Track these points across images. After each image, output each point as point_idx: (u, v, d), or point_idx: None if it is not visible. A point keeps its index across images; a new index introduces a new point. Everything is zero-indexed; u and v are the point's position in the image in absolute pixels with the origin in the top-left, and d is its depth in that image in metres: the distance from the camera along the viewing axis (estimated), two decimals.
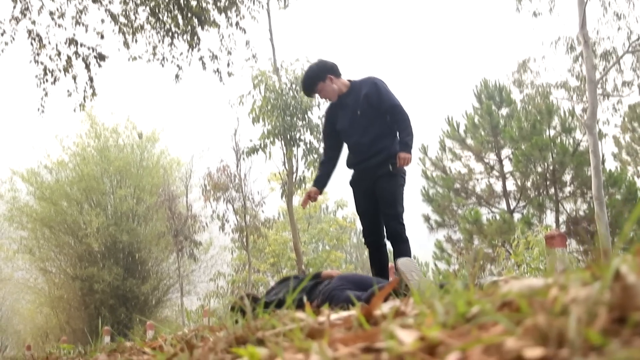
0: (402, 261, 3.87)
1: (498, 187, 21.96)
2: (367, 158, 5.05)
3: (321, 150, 13.00)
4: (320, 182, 5.36)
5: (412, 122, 5.04)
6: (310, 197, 5.26)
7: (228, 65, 10.63)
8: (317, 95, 5.40)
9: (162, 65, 10.37)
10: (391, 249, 5.09)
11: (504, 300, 0.90)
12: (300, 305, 1.50)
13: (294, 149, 15.32)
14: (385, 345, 0.82)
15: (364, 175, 5.11)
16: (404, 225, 4.95)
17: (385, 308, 1.22)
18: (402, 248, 4.90)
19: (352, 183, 5.29)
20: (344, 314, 1.33)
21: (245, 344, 1.21)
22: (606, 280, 0.76)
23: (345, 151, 5.41)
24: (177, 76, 10.55)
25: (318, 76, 5.17)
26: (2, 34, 9.84)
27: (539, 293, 0.86)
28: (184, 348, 1.43)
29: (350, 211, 27.74)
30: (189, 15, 10.08)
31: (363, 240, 5.29)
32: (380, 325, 1.02)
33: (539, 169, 20.45)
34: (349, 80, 5.26)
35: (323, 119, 5.51)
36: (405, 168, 5.01)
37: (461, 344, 0.76)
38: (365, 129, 5.04)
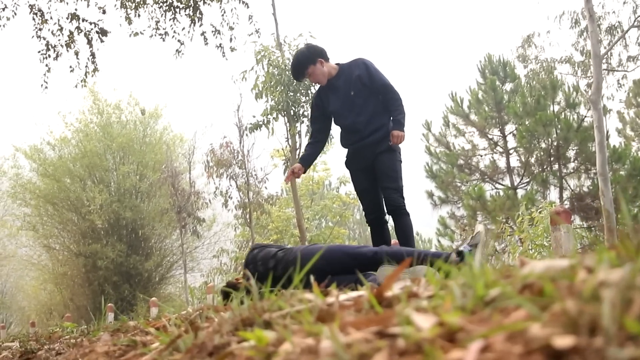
0: (380, 271, 3.67)
1: (502, 163, 21.91)
2: (365, 136, 5.12)
3: None
4: (306, 161, 5.44)
5: (408, 100, 5.20)
6: (294, 173, 5.30)
7: (230, 40, 10.56)
8: (306, 80, 5.45)
9: (163, 40, 10.29)
10: (393, 224, 5.13)
11: (525, 282, 0.85)
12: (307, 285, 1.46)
13: (297, 125, 15.26)
14: (401, 331, 0.78)
15: (363, 153, 5.17)
16: (404, 199, 5.04)
17: (396, 289, 1.18)
18: (404, 221, 4.97)
19: (348, 163, 5.38)
20: (353, 294, 1.29)
21: (252, 325, 1.17)
22: (639, 262, 0.71)
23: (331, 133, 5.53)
24: (177, 51, 10.47)
25: (309, 59, 5.20)
26: (3, 9, 9.76)
27: (564, 275, 0.81)
28: (188, 329, 1.39)
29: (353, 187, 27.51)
30: None
31: (365, 219, 5.31)
32: (394, 308, 0.98)
33: (543, 145, 20.36)
34: (337, 64, 5.31)
35: (312, 103, 5.56)
36: (400, 146, 5.11)
37: (483, 331, 0.71)
38: (361, 108, 5.11)
